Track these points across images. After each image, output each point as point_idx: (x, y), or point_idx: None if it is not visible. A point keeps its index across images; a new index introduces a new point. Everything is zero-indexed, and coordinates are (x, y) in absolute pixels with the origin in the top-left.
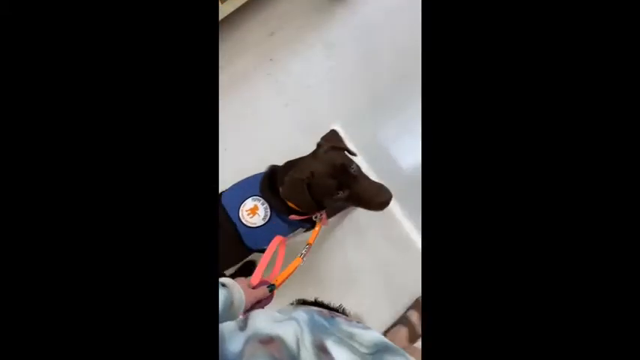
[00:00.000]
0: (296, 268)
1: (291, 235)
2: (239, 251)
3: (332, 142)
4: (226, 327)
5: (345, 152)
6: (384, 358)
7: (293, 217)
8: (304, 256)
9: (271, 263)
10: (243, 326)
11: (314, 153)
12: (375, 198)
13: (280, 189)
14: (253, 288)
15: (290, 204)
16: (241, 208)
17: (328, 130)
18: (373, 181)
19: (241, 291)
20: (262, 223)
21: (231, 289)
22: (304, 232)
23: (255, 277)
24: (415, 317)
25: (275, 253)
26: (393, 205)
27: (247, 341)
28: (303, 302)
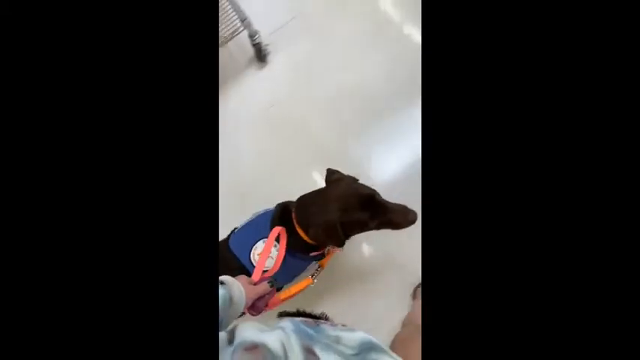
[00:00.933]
0: (305, 287)
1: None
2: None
3: (340, 175)
4: (220, 340)
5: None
6: (368, 356)
7: (314, 253)
8: (315, 277)
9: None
10: (231, 338)
11: (334, 187)
12: (405, 219)
13: (302, 229)
14: (254, 285)
15: (311, 242)
16: (252, 251)
17: None
18: (396, 204)
19: (241, 288)
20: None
21: (230, 287)
22: (317, 262)
23: (256, 274)
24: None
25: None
26: None
27: (234, 351)
28: (285, 314)
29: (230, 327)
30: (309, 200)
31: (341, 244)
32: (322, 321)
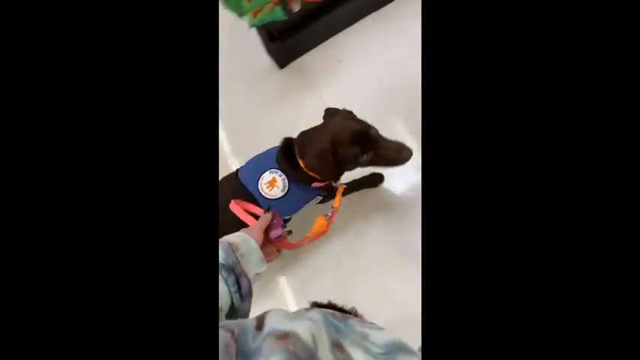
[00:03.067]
0: (322, 230)
1: (311, 203)
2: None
3: (342, 114)
4: (249, 322)
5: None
6: (396, 357)
7: (316, 184)
8: (330, 218)
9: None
10: (260, 325)
11: (330, 121)
12: (398, 155)
13: (303, 160)
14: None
15: (311, 173)
16: (260, 181)
17: None
18: (392, 141)
19: (239, 234)
20: (282, 194)
21: (222, 243)
22: (320, 201)
23: (247, 220)
24: None
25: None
26: None
27: (265, 339)
28: (316, 305)
29: (259, 314)
30: (308, 133)
31: (336, 177)
32: (350, 316)
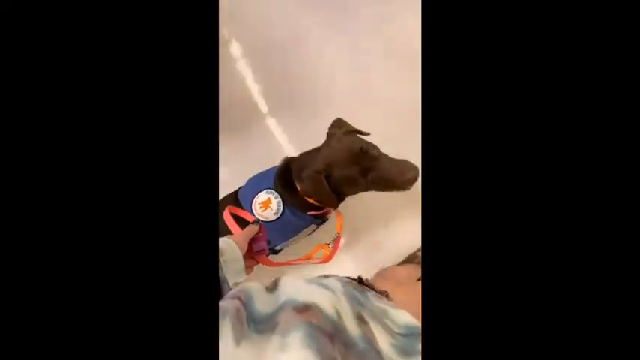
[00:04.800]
0: (323, 258)
1: (302, 233)
2: None
3: (343, 128)
4: (252, 286)
5: (359, 135)
6: (416, 344)
7: (312, 213)
8: (333, 246)
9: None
10: (272, 288)
11: (327, 142)
12: (400, 177)
13: (298, 185)
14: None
15: (309, 200)
16: (254, 200)
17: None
18: (396, 160)
19: (225, 239)
20: (274, 217)
21: None
22: (314, 230)
23: (233, 229)
24: None
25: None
26: None
27: (281, 308)
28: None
29: (272, 280)
30: (306, 156)
31: (333, 203)
32: (368, 289)
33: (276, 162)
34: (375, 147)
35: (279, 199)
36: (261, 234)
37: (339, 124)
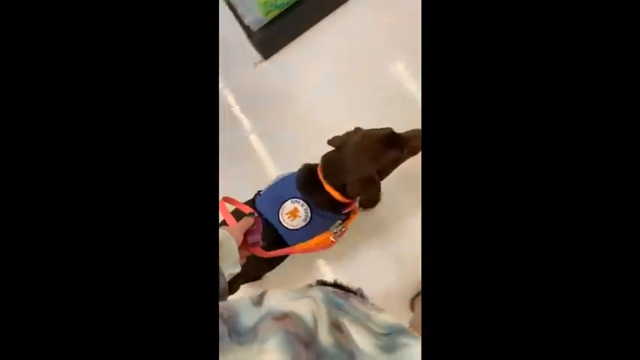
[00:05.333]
0: (322, 245)
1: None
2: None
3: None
4: (241, 302)
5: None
6: (398, 340)
7: (346, 210)
8: (338, 236)
9: None
10: (257, 302)
11: (354, 142)
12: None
13: (349, 189)
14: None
15: (338, 198)
16: (281, 211)
17: None
18: (410, 131)
19: (221, 230)
20: (304, 224)
21: None
22: (340, 224)
23: (229, 219)
24: None
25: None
26: None
27: (262, 318)
28: (322, 283)
29: (259, 293)
30: (336, 159)
31: (378, 195)
32: (353, 295)
33: None
34: (392, 129)
35: (306, 205)
36: (256, 227)
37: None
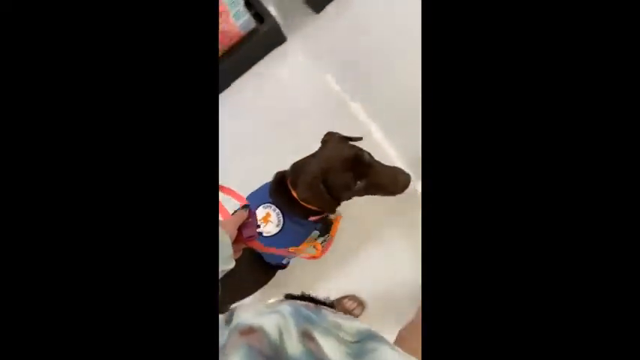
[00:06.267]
0: (315, 254)
1: (306, 241)
2: (259, 271)
3: (336, 136)
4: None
5: (351, 142)
6: (367, 345)
7: (313, 218)
8: (325, 246)
9: None
10: (229, 319)
11: (322, 149)
12: (394, 182)
13: (295, 192)
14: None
15: (307, 205)
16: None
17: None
18: (388, 166)
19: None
20: (277, 230)
21: None
22: (318, 236)
23: (223, 213)
24: None
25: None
26: None
27: (230, 334)
28: (290, 297)
29: (229, 310)
30: (299, 164)
31: (331, 207)
32: (324, 307)
33: None
34: (368, 153)
35: (278, 210)
36: (250, 219)
37: (330, 135)
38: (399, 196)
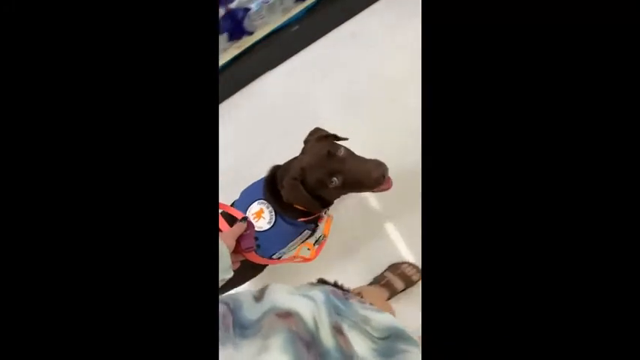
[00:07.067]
0: (309, 257)
1: (297, 240)
2: (246, 267)
3: (317, 134)
4: (242, 295)
5: (333, 139)
6: (397, 345)
7: (302, 219)
8: (318, 247)
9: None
10: (259, 297)
11: (303, 149)
12: (367, 176)
13: (282, 194)
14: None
15: (296, 206)
16: (248, 211)
17: None
18: (364, 159)
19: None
20: (268, 226)
21: None
22: (309, 236)
23: (221, 225)
24: (391, 276)
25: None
26: None
27: (265, 313)
28: (323, 282)
29: (260, 287)
30: (287, 164)
31: (317, 207)
32: (352, 296)
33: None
34: (343, 148)
35: (271, 208)
36: (249, 231)
37: (315, 132)
38: (399, 194)
